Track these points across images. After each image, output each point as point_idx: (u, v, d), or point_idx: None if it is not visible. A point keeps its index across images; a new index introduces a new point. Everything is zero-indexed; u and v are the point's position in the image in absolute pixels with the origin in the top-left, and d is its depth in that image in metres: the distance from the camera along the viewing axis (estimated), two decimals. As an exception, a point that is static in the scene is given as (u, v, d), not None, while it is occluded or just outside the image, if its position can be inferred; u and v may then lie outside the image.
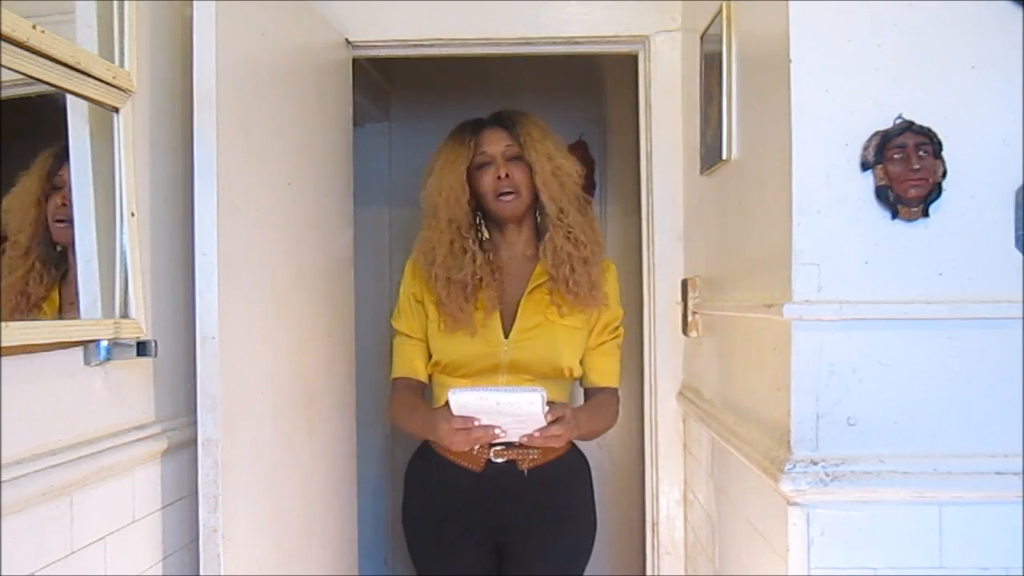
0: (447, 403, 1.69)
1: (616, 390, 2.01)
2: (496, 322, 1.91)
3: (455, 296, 1.87)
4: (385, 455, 3.25)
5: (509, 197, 1.91)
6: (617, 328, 2.00)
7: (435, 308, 1.92)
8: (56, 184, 1.33)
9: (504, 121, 1.95)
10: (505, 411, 1.63)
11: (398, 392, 1.98)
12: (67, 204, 1.33)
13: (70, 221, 1.34)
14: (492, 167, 1.92)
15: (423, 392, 2.00)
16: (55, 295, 1.34)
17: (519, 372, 1.90)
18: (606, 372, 1.99)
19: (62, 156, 1.34)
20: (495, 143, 1.93)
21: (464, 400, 1.64)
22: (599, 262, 1.94)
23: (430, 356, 1.96)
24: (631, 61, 2.23)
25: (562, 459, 1.91)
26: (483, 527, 1.91)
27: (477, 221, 1.96)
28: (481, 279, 1.89)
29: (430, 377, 1.98)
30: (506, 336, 1.91)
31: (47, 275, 1.32)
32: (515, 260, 1.98)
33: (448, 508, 1.92)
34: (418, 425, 1.90)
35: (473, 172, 1.93)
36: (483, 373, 1.90)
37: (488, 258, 1.93)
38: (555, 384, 1.93)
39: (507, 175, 1.90)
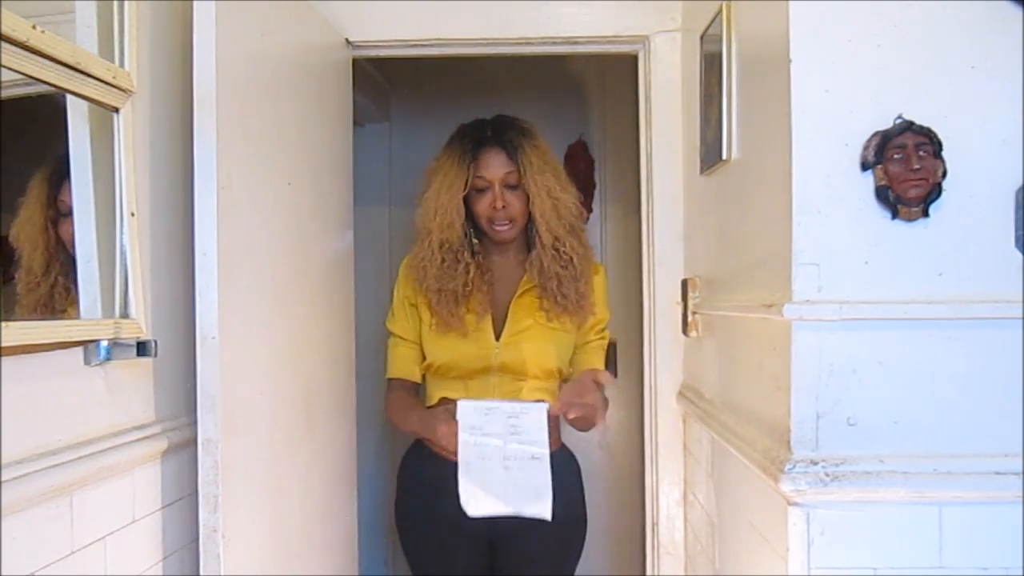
0: (440, 401, 1.70)
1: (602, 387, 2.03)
2: (488, 325, 1.93)
3: (446, 302, 1.90)
4: (385, 455, 3.25)
5: (504, 226, 1.93)
6: (603, 329, 2.03)
7: (428, 311, 1.94)
8: (61, 210, 1.32)
9: (505, 144, 1.93)
10: (510, 423, 1.62)
11: (394, 392, 2.01)
12: None
13: None
14: (489, 193, 1.92)
15: (417, 392, 2.02)
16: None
17: (510, 373, 1.92)
18: None
19: (55, 180, 1.33)
20: (494, 168, 1.92)
21: (471, 407, 1.64)
22: (588, 274, 1.96)
23: (423, 357, 1.97)
24: (631, 61, 2.23)
25: (551, 457, 1.91)
26: (474, 525, 1.91)
27: (470, 231, 1.97)
28: (474, 285, 1.90)
29: (424, 377, 2.00)
30: (497, 338, 1.92)
31: (73, 286, 1.33)
32: (507, 265, 2.01)
33: (440, 506, 1.93)
34: (415, 424, 1.92)
35: (471, 192, 1.93)
36: (475, 375, 1.92)
37: (479, 261, 1.94)
38: (544, 385, 1.95)
39: (504, 206, 1.91)
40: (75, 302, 1.33)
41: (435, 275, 1.91)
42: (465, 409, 1.64)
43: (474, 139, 1.95)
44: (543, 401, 1.67)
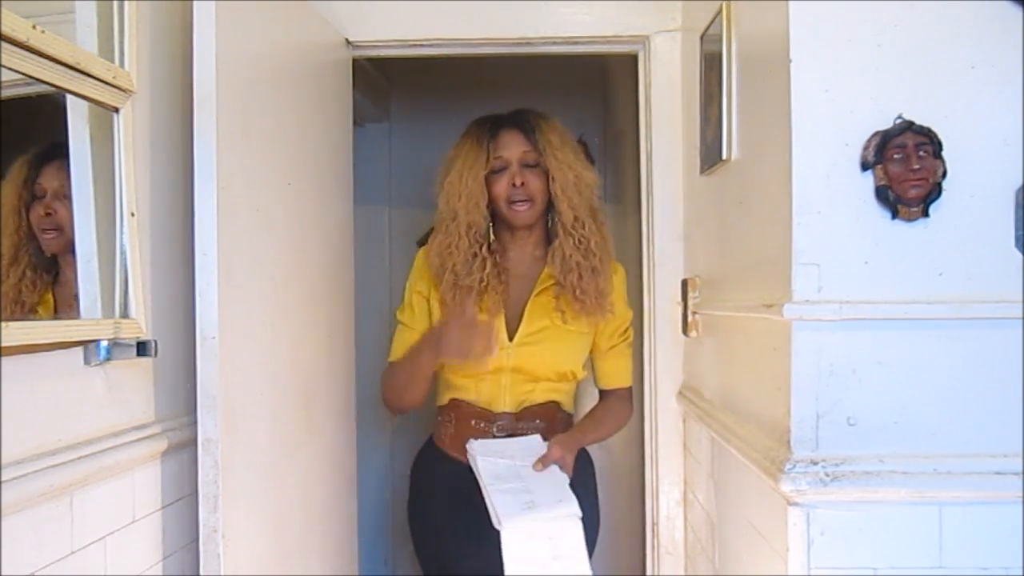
0: (450, 402, 1.83)
1: (628, 389, 2.06)
2: (500, 325, 1.91)
3: (460, 300, 1.87)
4: (386, 455, 3.25)
5: (523, 206, 1.90)
6: (627, 330, 2.02)
7: (440, 309, 1.93)
8: (36, 193, 1.32)
9: (523, 124, 1.92)
10: (552, 546, 1.67)
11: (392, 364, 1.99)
12: (51, 214, 1.33)
13: (57, 230, 1.34)
14: (507, 173, 1.90)
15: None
16: (48, 298, 1.34)
17: (521, 374, 1.91)
18: (619, 374, 2.03)
19: (38, 163, 1.33)
20: (512, 147, 1.91)
21: (514, 530, 1.67)
22: (607, 270, 1.93)
23: None
24: (631, 61, 2.23)
25: None
26: (487, 524, 1.91)
27: (488, 223, 1.95)
28: (488, 283, 1.89)
29: (435, 373, 1.99)
30: (510, 339, 1.91)
31: (40, 281, 1.32)
32: (523, 261, 1.98)
33: (453, 505, 1.93)
34: (409, 359, 1.89)
35: (488, 175, 1.91)
36: (486, 375, 1.91)
37: (496, 260, 1.93)
38: (558, 386, 1.94)
39: (522, 183, 1.88)
40: (44, 299, 1.33)
41: (461, 263, 1.88)
42: (510, 535, 1.65)
43: (492, 122, 1.95)
44: (575, 509, 1.69)
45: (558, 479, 1.76)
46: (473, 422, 1.91)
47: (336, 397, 2.04)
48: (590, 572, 1.66)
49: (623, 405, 2.04)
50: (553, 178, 1.89)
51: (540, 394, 1.93)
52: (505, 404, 1.92)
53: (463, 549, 1.93)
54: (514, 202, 1.90)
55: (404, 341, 1.97)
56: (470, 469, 1.86)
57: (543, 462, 1.78)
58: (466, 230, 1.89)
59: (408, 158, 3.23)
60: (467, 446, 1.84)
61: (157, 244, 1.54)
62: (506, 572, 1.64)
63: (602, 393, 2.06)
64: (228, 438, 1.47)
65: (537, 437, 1.86)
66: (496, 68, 2.66)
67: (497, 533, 1.93)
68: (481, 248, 1.90)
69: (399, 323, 2.01)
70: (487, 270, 1.89)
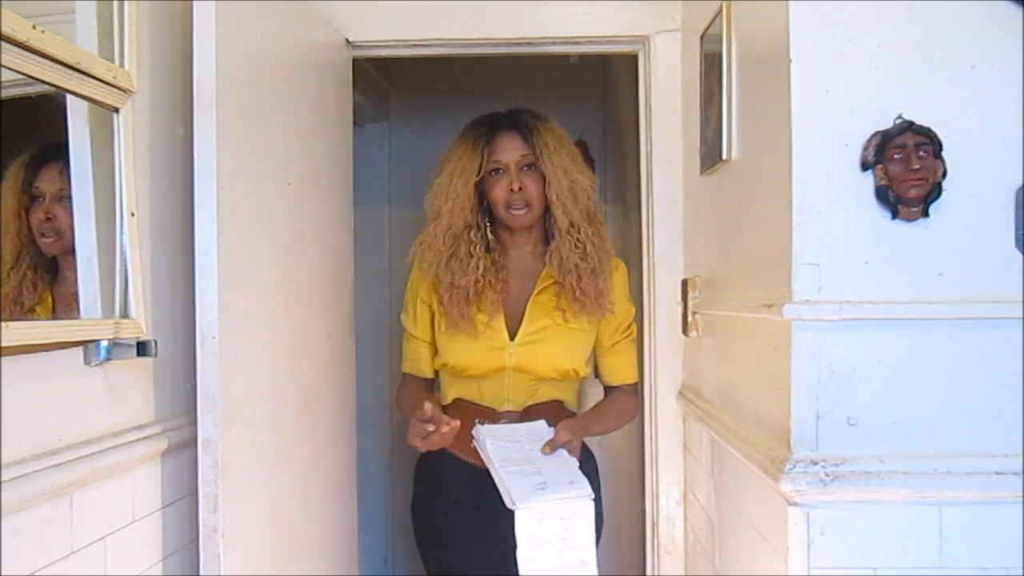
0: (454, 402, 1.84)
1: (634, 385, 2.06)
2: (500, 324, 1.91)
3: (457, 301, 1.88)
4: (386, 455, 3.25)
5: (521, 211, 1.90)
6: (630, 327, 2.02)
7: (439, 310, 1.93)
8: (35, 195, 1.32)
9: (520, 127, 1.92)
10: (562, 526, 1.66)
11: (404, 385, 2.03)
12: (51, 218, 1.33)
13: (57, 234, 1.34)
14: (505, 176, 1.90)
15: (430, 387, 2.04)
16: (47, 297, 1.34)
17: (524, 374, 1.91)
18: (623, 370, 2.03)
19: (35, 165, 1.33)
20: (510, 151, 1.90)
21: (527, 514, 1.66)
22: (607, 270, 1.93)
23: (436, 353, 1.97)
24: (632, 61, 2.23)
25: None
26: (490, 523, 1.91)
27: (485, 223, 1.95)
28: (486, 282, 1.89)
29: (437, 373, 2.00)
30: (512, 338, 1.91)
31: (40, 281, 1.32)
32: (524, 259, 1.98)
33: (456, 504, 1.93)
34: (405, 415, 1.93)
35: (485, 177, 1.91)
36: (489, 375, 1.91)
37: (495, 258, 1.93)
38: (562, 385, 1.94)
39: (520, 188, 1.88)
40: (43, 300, 1.33)
41: (444, 267, 1.89)
42: (524, 515, 1.63)
43: (489, 125, 1.94)
44: (587, 490, 1.66)
45: (567, 462, 1.76)
46: (477, 422, 1.92)
47: (336, 397, 2.04)
48: (594, 557, 1.66)
49: (628, 400, 2.04)
50: (548, 183, 1.89)
51: (544, 393, 1.93)
52: (509, 403, 1.93)
53: (467, 548, 1.94)
54: (512, 207, 1.90)
55: (410, 352, 2.01)
56: (475, 468, 1.86)
57: (551, 445, 1.75)
58: (444, 232, 1.90)
59: (408, 158, 3.23)
60: (473, 431, 1.82)
61: (157, 244, 1.53)
62: (518, 552, 1.63)
63: (607, 390, 2.06)
64: (228, 438, 1.47)
65: (543, 422, 1.85)
66: (496, 68, 2.66)
67: (501, 532, 1.93)
68: (474, 247, 1.90)
69: (404, 329, 2.02)
70: (481, 271, 1.89)
